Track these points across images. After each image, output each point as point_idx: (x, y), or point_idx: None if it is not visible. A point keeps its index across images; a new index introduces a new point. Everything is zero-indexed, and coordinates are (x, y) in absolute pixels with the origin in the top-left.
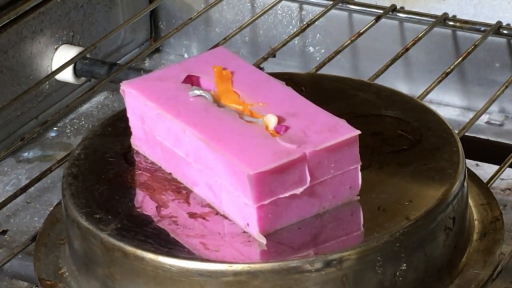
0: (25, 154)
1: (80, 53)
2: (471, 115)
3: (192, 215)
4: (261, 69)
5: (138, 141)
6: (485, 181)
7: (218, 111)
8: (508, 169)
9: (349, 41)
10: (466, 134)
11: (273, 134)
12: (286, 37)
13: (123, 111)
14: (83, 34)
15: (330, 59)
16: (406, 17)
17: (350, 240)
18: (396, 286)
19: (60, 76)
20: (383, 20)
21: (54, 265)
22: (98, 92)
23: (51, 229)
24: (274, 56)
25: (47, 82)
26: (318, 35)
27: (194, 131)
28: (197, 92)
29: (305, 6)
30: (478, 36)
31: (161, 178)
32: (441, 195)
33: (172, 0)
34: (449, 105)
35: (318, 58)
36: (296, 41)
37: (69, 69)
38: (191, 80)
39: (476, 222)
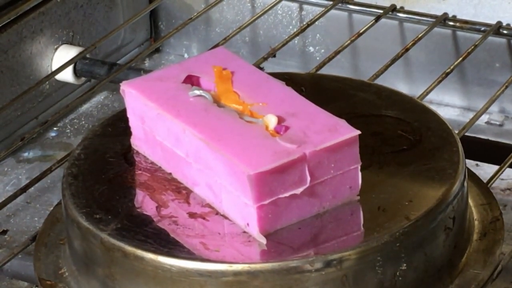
0: (25, 154)
1: (80, 53)
2: (471, 115)
3: (192, 215)
4: (261, 69)
5: (138, 141)
6: (485, 181)
7: (218, 111)
8: (508, 169)
9: (349, 41)
10: (466, 134)
11: (273, 134)
12: (286, 37)
13: (123, 111)
14: (83, 34)
15: (330, 59)
16: (406, 17)
17: (350, 240)
18: (396, 286)
19: (60, 76)
20: (383, 20)
21: (54, 265)
22: (98, 92)
23: (51, 229)
24: (274, 56)
25: (47, 82)
26: (318, 35)
27: (194, 131)
28: (197, 92)
29: (305, 6)
30: (478, 36)
31: (161, 178)
32: (441, 195)
33: (172, 0)
34: (449, 105)
35: (318, 58)
36: (296, 41)
37: (69, 69)
38: (191, 80)
39: (476, 222)
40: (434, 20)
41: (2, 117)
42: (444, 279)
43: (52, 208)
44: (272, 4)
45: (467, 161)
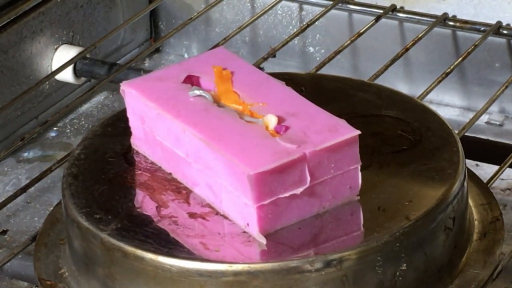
0: (25, 154)
1: (80, 53)
2: (471, 115)
3: (192, 215)
4: (261, 69)
5: (138, 141)
6: (485, 181)
7: (218, 111)
8: (508, 169)
9: (349, 41)
10: (466, 134)
11: (273, 134)
12: (286, 37)
13: (123, 111)
14: (83, 34)
15: (330, 59)
16: (406, 17)
17: (350, 240)
18: (396, 286)
19: (60, 76)
20: (383, 20)
21: (54, 265)
22: (98, 92)
23: (51, 229)
24: (274, 56)
25: (47, 82)
26: (318, 35)
27: (194, 131)
28: (197, 92)
29: (305, 6)
30: (478, 36)
31: (161, 178)
32: (441, 195)
33: (172, 0)
34: (449, 105)
35: (318, 58)
36: (296, 41)
37: (69, 69)
38: (191, 80)
39: (476, 222)
40: (434, 20)
41: (2, 117)
42: (444, 279)
43: (52, 208)
44: (272, 4)
45: (467, 161)
